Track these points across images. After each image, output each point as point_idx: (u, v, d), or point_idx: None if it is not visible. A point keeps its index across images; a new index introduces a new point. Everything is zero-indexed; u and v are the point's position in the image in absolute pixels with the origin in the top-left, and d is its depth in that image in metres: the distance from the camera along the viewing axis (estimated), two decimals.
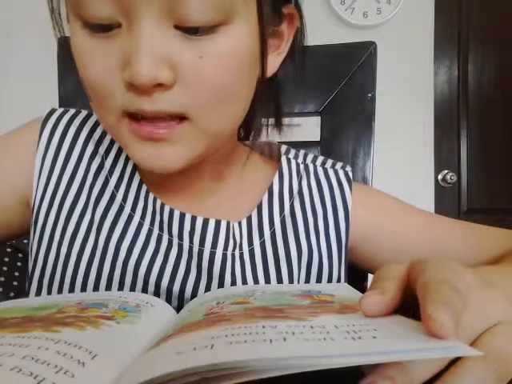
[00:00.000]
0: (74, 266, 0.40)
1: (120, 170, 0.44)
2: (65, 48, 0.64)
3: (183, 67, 0.32)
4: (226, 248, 0.42)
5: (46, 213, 0.42)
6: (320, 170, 0.50)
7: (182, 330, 0.22)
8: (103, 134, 0.45)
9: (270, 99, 0.44)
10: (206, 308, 0.27)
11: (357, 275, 0.51)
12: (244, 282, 0.42)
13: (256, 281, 0.42)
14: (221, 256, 0.41)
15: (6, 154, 0.44)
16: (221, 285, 0.41)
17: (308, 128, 0.65)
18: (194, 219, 0.42)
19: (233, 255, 0.42)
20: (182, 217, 0.42)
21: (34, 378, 0.16)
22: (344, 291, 0.31)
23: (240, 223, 0.44)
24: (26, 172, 0.43)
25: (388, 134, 1.34)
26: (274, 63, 0.41)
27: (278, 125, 0.47)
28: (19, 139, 0.44)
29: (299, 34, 0.43)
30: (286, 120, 0.48)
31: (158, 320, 0.28)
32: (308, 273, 0.45)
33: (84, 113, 0.46)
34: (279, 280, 0.43)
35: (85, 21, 0.32)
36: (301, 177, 0.48)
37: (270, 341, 0.18)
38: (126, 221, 0.42)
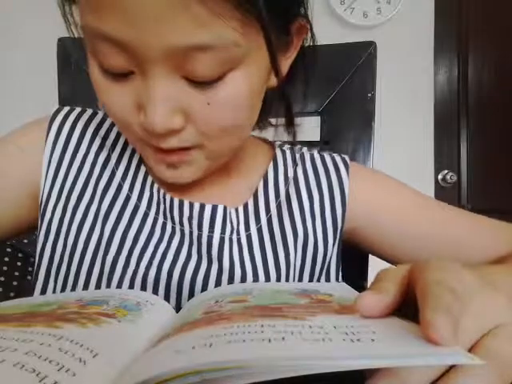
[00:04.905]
0: (80, 255, 0.42)
1: (126, 162, 0.46)
2: (65, 48, 0.64)
3: (193, 113, 0.35)
4: (223, 232, 0.43)
5: (54, 205, 0.43)
6: (317, 156, 0.51)
7: (181, 329, 0.22)
8: (109, 130, 0.47)
9: (280, 100, 0.45)
10: (204, 307, 0.28)
11: (356, 275, 0.51)
12: (242, 265, 0.43)
13: (254, 264, 0.43)
14: (218, 239, 0.43)
15: (14, 149, 0.45)
16: (220, 268, 0.42)
17: (308, 128, 0.65)
18: (191, 205, 0.43)
19: (230, 239, 0.44)
20: (181, 203, 0.43)
21: (37, 375, 0.17)
22: (343, 291, 0.31)
23: (237, 209, 0.45)
24: (34, 167, 0.44)
25: (388, 134, 1.33)
26: (283, 68, 0.41)
27: (290, 125, 0.48)
28: (27, 135, 0.46)
29: (309, 40, 0.44)
30: (297, 120, 0.48)
31: (157, 319, 0.29)
32: (304, 255, 0.46)
33: (90, 111, 0.48)
34: (276, 263, 0.44)
35: (101, 65, 0.35)
36: (296, 164, 0.50)
37: (269, 340, 0.18)
38: (133, 210, 0.44)
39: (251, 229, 0.45)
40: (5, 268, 0.77)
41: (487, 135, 1.57)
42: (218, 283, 0.42)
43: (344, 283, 0.37)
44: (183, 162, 0.38)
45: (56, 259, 0.43)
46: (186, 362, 0.16)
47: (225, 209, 0.44)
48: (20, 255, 0.79)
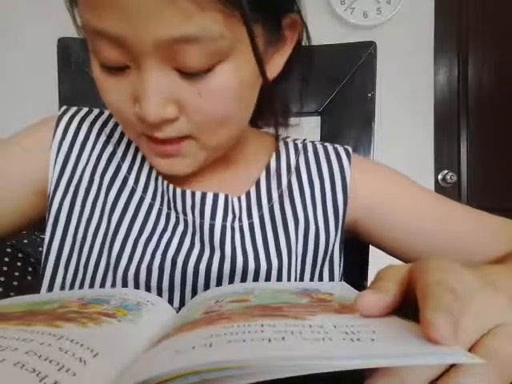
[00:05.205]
0: (89, 246, 0.44)
1: (131, 157, 0.48)
2: (65, 48, 0.64)
3: (185, 103, 0.36)
4: (225, 220, 0.44)
5: (61, 198, 0.45)
6: (319, 147, 0.52)
7: (181, 329, 0.22)
8: (114, 128, 0.49)
9: (277, 99, 0.46)
10: (204, 306, 0.28)
11: (356, 274, 0.51)
12: (244, 252, 0.44)
13: (255, 251, 0.44)
14: (220, 227, 0.44)
15: (17, 150, 0.46)
16: (222, 256, 0.43)
17: (308, 128, 0.65)
18: (193, 194, 0.44)
19: (232, 227, 0.44)
20: (184, 193, 0.44)
21: (37, 374, 0.17)
22: (343, 290, 0.31)
23: (239, 198, 0.46)
24: (38, 166, 0.46)
25: (388, 134, 1.33)
26: (278, 63, 0.42)
27: (285, 124, 0.49)
28: (32, 136, 0.47)
29: (304, 35, 0.44)
30: (295, 120, 0.49)
31: (158, 319, 0.29)
32: (305, 243, 0.46)
33: (96, 111, 0.50)
34: (278, 249, 0.44)
35: (100, 61, 0.37)
36: (299, 154, 0.50)
37: (269, 340, 0.18)
38: (138, 202, 0.45)
39: (253, 216, 0.46)
40: (5, 268, 0.77)
41: (487, 135, 1.57)
42: (220, 271, 0.43)
43: (345, 283, 0.37)
44: (176, 154, 0.40)
45: (65, 251, 0.44)
46: (185, 362, 0.16)
47: (226, 197, 0.45)
48: (20, 255, 0.79)
